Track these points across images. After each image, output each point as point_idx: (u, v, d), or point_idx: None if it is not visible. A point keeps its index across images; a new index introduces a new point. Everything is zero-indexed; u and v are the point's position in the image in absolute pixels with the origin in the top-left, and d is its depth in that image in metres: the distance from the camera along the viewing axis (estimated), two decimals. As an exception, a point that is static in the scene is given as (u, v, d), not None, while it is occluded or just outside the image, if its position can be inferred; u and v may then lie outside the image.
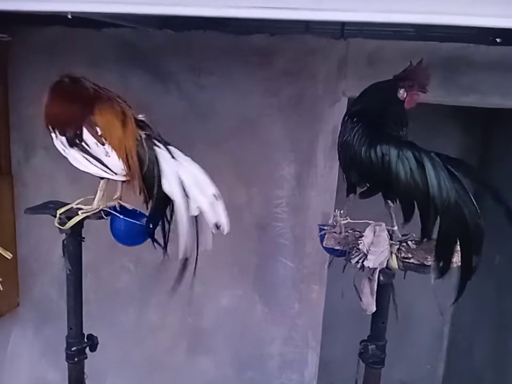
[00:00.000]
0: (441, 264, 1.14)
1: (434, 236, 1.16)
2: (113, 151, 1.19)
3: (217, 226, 1.17)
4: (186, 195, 1.14)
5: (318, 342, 1.94)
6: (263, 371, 1.99)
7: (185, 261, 1.16)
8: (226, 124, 1.82)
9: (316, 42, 1.71)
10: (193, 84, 1.81)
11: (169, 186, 1.15)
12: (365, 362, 1.32)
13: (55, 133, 1.25)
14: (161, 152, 1.18)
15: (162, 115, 1.80)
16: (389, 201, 1.27)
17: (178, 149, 1.21)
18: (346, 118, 1.27)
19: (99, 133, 1.19)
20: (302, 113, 1.78)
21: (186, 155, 1.20)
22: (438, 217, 1.11)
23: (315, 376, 1.98)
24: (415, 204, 1.14)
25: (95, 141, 1.20)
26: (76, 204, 1.32)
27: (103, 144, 1.19)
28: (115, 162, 1.20)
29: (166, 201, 1.17)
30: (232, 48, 1.76)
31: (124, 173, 1.21)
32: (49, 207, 1.37)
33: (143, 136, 1.20)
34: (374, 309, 1.25)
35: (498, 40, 1.64)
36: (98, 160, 1.21)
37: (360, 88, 1.32)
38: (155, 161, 1.17)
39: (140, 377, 2.06)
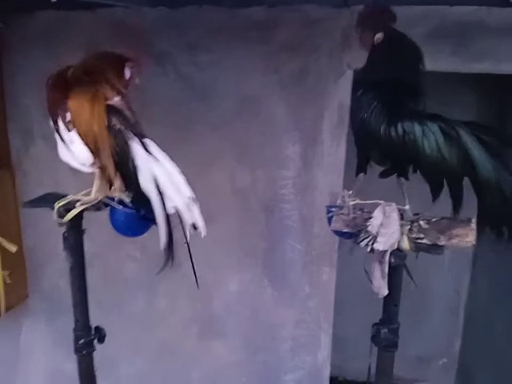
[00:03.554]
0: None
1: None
2: (82, 138, 1.15)
3: (195, 228, 1.13)
4: (161, 193, 1.10)
5: (330, 323, 1.92)
6: (276, 354, 1.97)
7: (169, 251, 1.14)
8: (227, 104, 1.75)
9: (318, 12, 1.62)
10: (190, 63, 1.73)
11: (144, 182, 1.11)
12: (378, 346, 1.29)
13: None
14: (134, 145, 1.13)
15: (159, 97, 1.75)
16: (402, 178, 1.21)
17: (156, 142, 1.16)
18: (360, 93, 1.19)
19: (68, 119, 1.16)
20: (305, 90, 1.70)
21: (163, 150, 1.15)
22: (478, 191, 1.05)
23: (328, 358, 1.96)
24: (444, 179, 1.09)
25: (63, 127, 1.17)
26: (75, 196, 1.30)
27: (69, 131, 1.16)
28: (79, 151, 1.16)
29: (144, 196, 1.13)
30: (229, 23, 1.68)
31: (90, 162, 1.17)
32: (48, 199, 1.34)
33: (116, 125, 1.14)
34: (386, 292, 1.21)
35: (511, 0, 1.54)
36: (68, 148, 1.18)
37: (365, 59, 1.24)
38: (128, 154, 1.12)
39: (152, 365, 2.06)
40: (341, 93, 1.68)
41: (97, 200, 1.28)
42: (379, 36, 1.17)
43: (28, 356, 2.13)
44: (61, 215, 1.26)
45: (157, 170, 1.12)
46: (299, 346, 1.95)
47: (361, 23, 1.20)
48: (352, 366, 2.42)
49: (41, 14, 1.76)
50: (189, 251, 1.14)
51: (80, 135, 1.15)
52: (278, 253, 1.87)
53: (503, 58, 1.60)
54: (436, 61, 1.53)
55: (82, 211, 1.27)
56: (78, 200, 1.28)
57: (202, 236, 1.14)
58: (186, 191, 1.13)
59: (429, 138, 1.07)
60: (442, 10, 1.57)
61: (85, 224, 1.33)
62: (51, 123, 1.22)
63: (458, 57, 1.60)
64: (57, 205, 1.27)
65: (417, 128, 1.08)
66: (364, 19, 1.20)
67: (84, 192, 1.30)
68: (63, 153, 1.22)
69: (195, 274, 1.18)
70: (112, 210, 1.26)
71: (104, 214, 1.28)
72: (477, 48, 1.60)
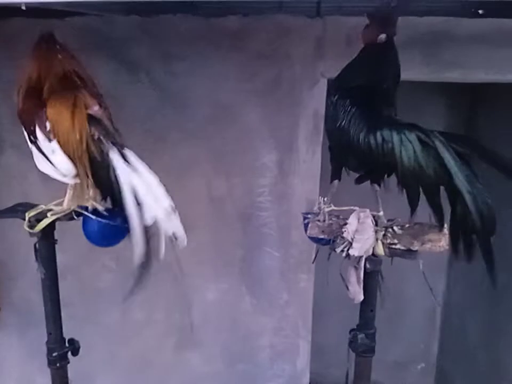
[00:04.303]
0: (463, 247, 1.10)
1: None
2: (61, 147, 1.12)
3: (175, 238, 1.11)
4: (139, 204, 1.08)
5: (309, 331, 1.92)
6: (255, 363, 1.96)
7: (142, 266, 1.11)
8: (202, 112, 1.75)
9: (291, 21, 1.64)
10: (164, 71, 1.72)
11: (123, 193, 1.09)
12: (355, 351, 1.29)
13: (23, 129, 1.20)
14: (113, 155, 1.10)
15: (133, 105, 1.74)
16: (376, 185, 1.23)
17: (136, 153, 1.14)
18: (336, 99, 1.20)
19: (47, 128, 1.13)
20: (280, 98, 1.71)
21: (143, 161, 1.13)
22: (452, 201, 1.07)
23: (307, 366, 1.96)
24: (421, 189, 1.10)
25: (43, 136, 1.14)
26: (47, 206, 1.27)
27: (49, 141, 1.13)
28: (61, 161, 1.13)
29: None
30: (203, 31, 1.68)
31: (73, 173, 1.15)
32: (18, 210, 1.32)
33: (95, 134, 1.12)
34: (362, 297, 1.22)
35: (480, 11, 1.58)
36: (48, 158, 1.15)
37: (339, 68, 1.26)
38: (107, 164, 1.10)
39: (128, 377, 2.02)
40: (316, 101, 1.70)
41: (69, 210, 1.25)
42: (382, 37, 1.18)
43: (0, 370, 2.06)
44: (32, 225, 1.23)
45: (136, 181, 1.09)
46: (278, 355, 1.94)
47: (374, 17, 1.19)
48: (332, 372, 2.42)
49: (9, 22, 1.72)
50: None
51: (60, 144, 1.12)
52: (256, 261, 1.86)
53: (472, 68, 1.64)
54: (407, 71, 1.57)
55: (54, 221, 1.25)
56: (49, 210, 1.26)
57: (184, 244, 1.12)
58: (166, 201, 1.11)
59: (407, 147, 1.08)
60: (412, 21, 1.61)
61: (57, 234, 1.30)
62: (25, 134, 1.19)
63: (429, 67, 1.64)
64: (28, 215, 1.24)
65: (396, 137, 1.09)
66: (378, 15, 1.19)
67: (55, 202, 1.28)
68: (42, 165, 1.18)
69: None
70: (86, 220, 1.24)
71: (78, 223, 1.25)
72: (446, 58, 1.64)
